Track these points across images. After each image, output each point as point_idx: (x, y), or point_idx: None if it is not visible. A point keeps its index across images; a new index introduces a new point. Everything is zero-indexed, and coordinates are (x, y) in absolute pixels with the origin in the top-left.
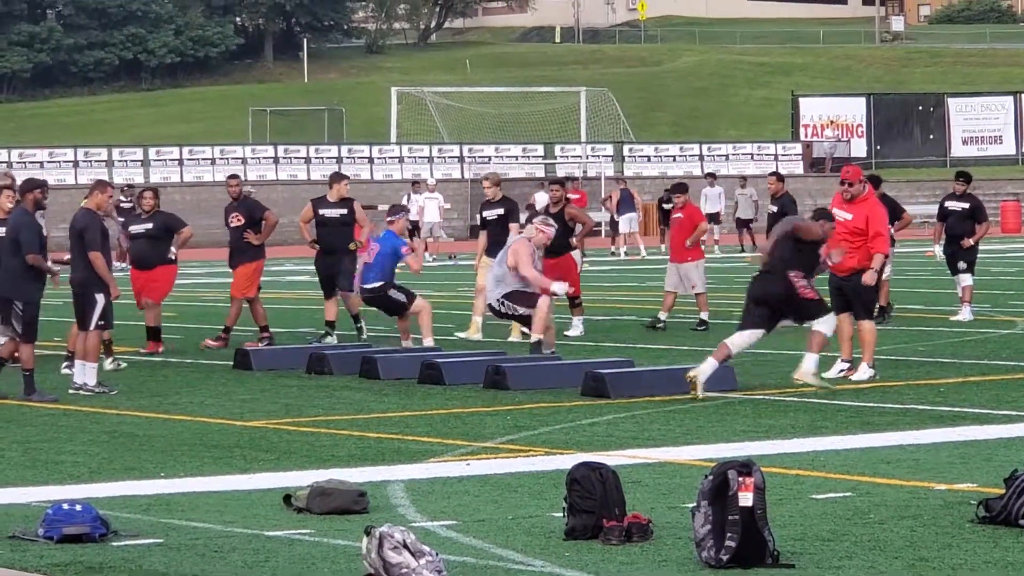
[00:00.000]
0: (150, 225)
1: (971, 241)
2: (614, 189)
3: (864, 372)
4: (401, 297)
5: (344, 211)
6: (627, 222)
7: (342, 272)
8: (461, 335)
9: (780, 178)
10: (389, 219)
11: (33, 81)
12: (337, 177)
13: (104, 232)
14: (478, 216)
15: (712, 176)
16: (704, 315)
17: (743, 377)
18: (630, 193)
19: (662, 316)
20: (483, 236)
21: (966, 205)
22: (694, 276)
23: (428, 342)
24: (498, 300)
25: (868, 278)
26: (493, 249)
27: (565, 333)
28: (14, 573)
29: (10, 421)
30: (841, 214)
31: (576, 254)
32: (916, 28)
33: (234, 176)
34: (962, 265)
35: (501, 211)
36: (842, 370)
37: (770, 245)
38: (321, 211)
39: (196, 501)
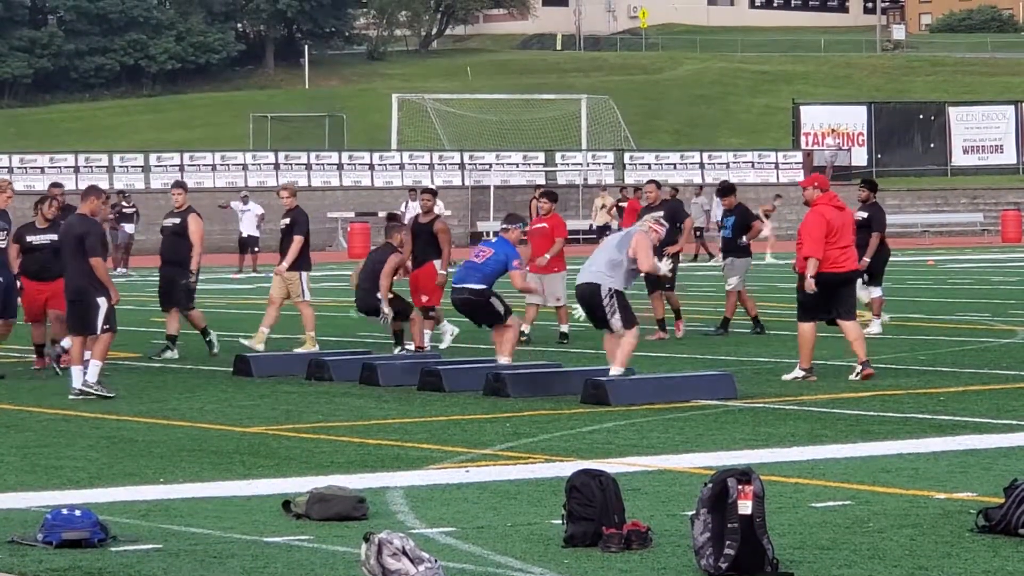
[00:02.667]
0: (55, 236)
1: (866, 260)
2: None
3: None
4: (500, 308)
5: (177, 221)
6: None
7: (177, 287)
8: (246, 342)
9: (659, 185)
10: (504, 227)
11: (34, 86)
12: (174, 185)
13: (103, 237)
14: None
15: (699, 188)
16: (564, 327)
17: (743, 385)
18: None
19: (525, 329)
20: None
21: (865, 214)
22: (558, 288)
23: (504, 360)
24: (609, 289)
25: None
26: (281, 258)
27: (438, 345)
28: None
29: (10, 426)
30: None
31: (438, 264)
32: (917, 37)
33: (56, 185)
34: (865, 277)
35: (288, 221)
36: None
37: None
38: (163, 221)
39: (195, 507)
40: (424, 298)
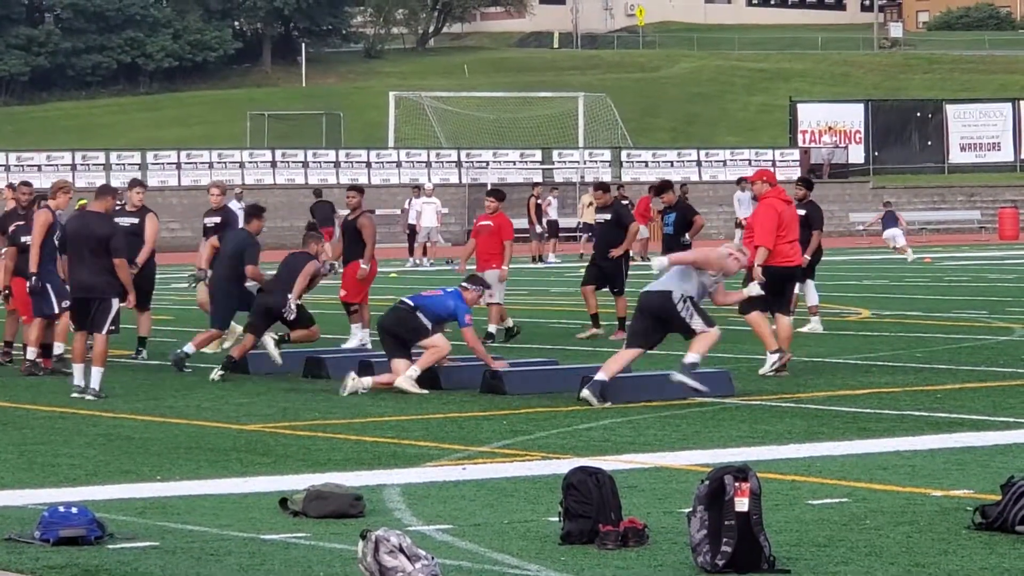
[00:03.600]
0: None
1: (806, 257)
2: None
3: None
4: (428, 324)
5: (135, 220)
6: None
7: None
8: (225, 345)
9: (606, 189)
10: (464, 285)
11: (31, 84)
12: (134, 183)
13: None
14: (204, 224)
15: (745, 180)
16: (492, 327)
17: (740, 383)
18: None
19: (509, 323)
20: (204, 244)
21: (803, 212)
22: (493, 285)
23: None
24: (681, 295)
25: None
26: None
27: (343, 345)
28: (10, 575)
29: (7, 424)
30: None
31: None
32: (915, 34)
33: (25, 184)
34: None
35: (219, 219)
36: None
37: None
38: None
39: (192, 504)
40: (342, 292)
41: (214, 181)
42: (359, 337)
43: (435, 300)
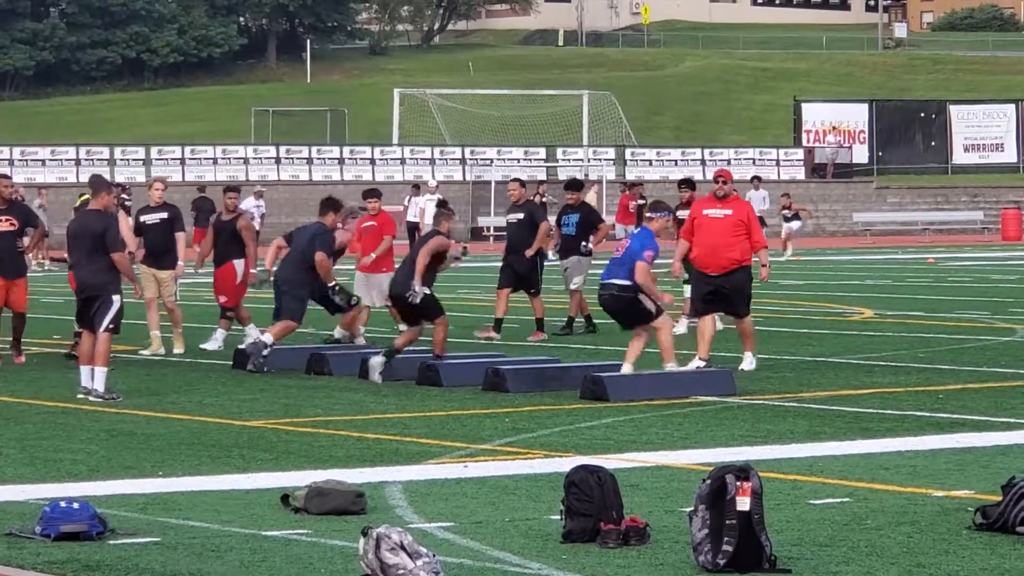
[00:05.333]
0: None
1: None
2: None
3: (749, 362)
4: (651, 307)
5: (165, 215)
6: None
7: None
8: (145, 352)
9: (522, 184)
10: (648, 216)
11: (36, 79)
12: (116, 185)
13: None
14: (138, 221)
15: (758, 179)
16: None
17: (742, 382)
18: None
19: (357, 329)
20: (139, 243)
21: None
22: (386, 288)
23: (669, 365)
24: None
25: (765, 275)
26: (154, 258)
27: (201, 346)
28: (11, 570)
29: (9, 418)
30: (719, 211)
31: (239, 264)
32: (919, 35)
33: (5, 176)
34: (685, 276)
35: (165, 215)
36: (698, 367)
37: None
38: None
39: (194, 500)
40: (222, 299)
41: (158, 176)
42: (219, 341)
43: (629, 256)
